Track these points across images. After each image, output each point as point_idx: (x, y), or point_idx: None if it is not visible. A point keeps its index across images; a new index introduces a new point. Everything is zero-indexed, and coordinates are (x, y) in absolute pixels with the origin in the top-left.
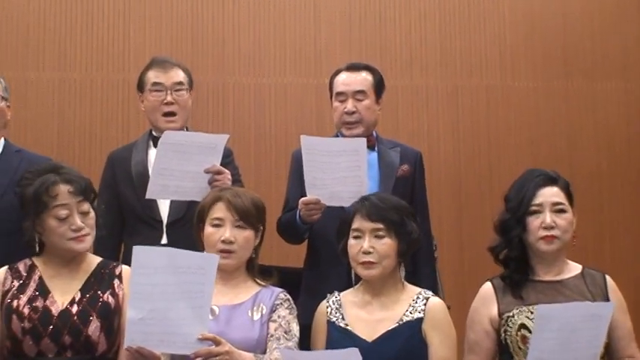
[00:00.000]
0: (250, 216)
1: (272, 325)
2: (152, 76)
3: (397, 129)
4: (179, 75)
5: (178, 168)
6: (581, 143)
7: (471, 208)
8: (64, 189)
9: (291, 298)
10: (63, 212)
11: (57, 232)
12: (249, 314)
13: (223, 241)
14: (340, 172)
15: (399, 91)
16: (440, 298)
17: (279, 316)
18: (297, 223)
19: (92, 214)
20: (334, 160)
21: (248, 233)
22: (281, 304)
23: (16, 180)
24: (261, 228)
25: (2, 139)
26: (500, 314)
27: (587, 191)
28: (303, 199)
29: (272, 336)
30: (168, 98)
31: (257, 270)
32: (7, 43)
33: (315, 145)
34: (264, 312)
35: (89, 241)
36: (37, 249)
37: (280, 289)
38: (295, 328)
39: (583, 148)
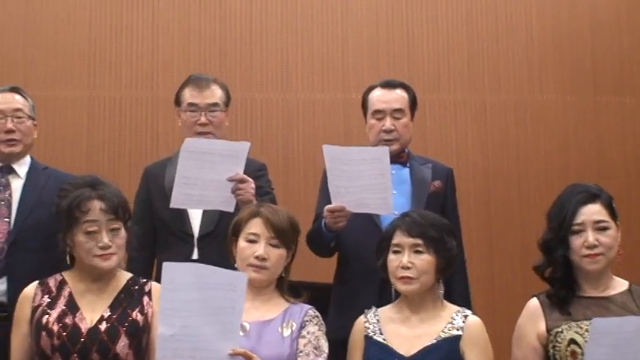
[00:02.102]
0: (285, 235)
1: (301, 341)
2: (188, 95)
3: (425, 144)
4: (215, 95)
5: (201, 176)
6: (610, 157)
7: (500, 223)
8: (96, 205)
9: (319, 315)
10: (92, 228)
11: (84, 247)
12: (280, 330)
13: (257, 257)
14: (364, 180)
15: (426, 105)
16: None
17: (308, 332)
18: (323, 232)
19: (123, 233)
20: (357, 169)
21: (281, 251)
22: (310, 320)
23: (43, 197)
24: (294, 247)
25: (28, 157)
26: (548, 330)
27: (617, 205)
28: (328, 206)
29: (301, 352)
30: (203, 119)
31: (287, 287)
32: (37, 62)
33: (337, 154)
34: (294, 328)
35: (115, 260)
36: (68, 261)
37: (309, 306)
38: (324, 344)
39: (612, 162)
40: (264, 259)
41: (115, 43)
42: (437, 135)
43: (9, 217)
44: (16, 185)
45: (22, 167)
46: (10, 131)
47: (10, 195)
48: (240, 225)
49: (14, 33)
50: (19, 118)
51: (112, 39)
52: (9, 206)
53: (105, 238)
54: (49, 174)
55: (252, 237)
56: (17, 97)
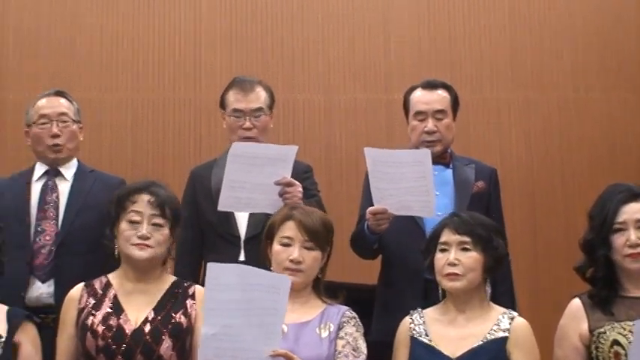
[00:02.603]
0: (319, 237)
1: (340, 343)
2: (232, 99)
3: (468, 144)
4: (259, 99)
5: (249, 180)
6: None
7: (545, 222)
8: (144, 197)
9: (357, 316)
10: (135, 217)
11: (124, 234)
12: (317, 332)
13: (291, 261)
14: (406, 183)
15: (469, 105)
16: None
17: (346, 334)
18: (366, 234)
19: (165, 231)
20: (399, 171)
21: (316, 254)
22: (348, 321)
23: (89, 200)
24: (329, 248)
25: (75, 160)
26: (590, 331)
27: None
28: (370, 208)
29: (340, 353)
30: (247, 124)
31: (323, 288)
32: (83, 65)
33: (378, 157)
34: (331, 329)
35: (150, 252)
36: (117, 255)
37: (346, 307)
38: (362, 345)
39: None
40: (299, 263)
41: (159, 46)
42: (480, 135)
43: (56, 219)
44: (63, 188)
45: (69, 170)
46: (55, 136)
47: (58, 198)
48: (273, 228)
49: (60, 37)
50: (64, 122)
51: (155, 42)
52: (56, 209)
53: (144, 229)
54: (95, 177)
55: (286, 240)
56: (62, 100)
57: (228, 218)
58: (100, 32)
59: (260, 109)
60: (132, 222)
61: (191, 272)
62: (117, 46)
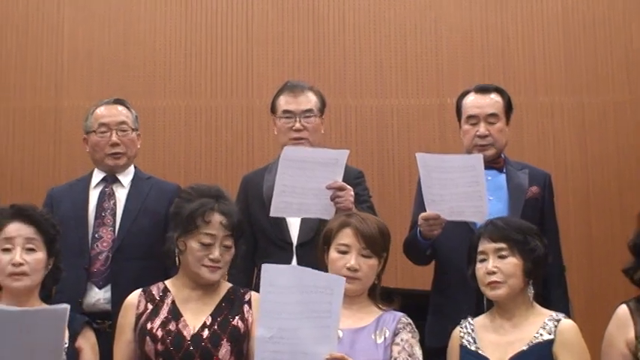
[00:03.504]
0: (376, 244)
1: (395, 349)
2: (283, 102)
3: (522, 148)
4: (309, 101)
5: (300, 185)
6: None
7: (601, 227)
8: (218, 219)
9: (412, 322)
10: (208, 240)
11: (195, 255)
12: (373, 337)
13: (348, 269)
14: (459, 188)
15: (523, 109)
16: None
17: (402, 340)
18: (419, 240)
19: (232, 250)
20: (451, 176)
21: (372, 261)
22: (403, 327)
23: (146, 206)
24: (385, 254)
25: (132, 167)
26: (637, 337)
27: None
28: (422, 214)
29: (395, 359)
30: (297, 125)
31: (379, 294)
32: (136, 73)
33: (431, 162)
34: (386, 335)
35: (220, 274)
36: (177, 262)
37: (401, 313)
38: (418, 351)
39: None
40: (355, 270)
41: (211, 53)
42: (534, 139)
43: (113, 226)
44: (121, 195)
45: (126, 177)
46: (114, 144)
47: (115, 205)
48: (330, 235)
49: (113, 46)
50: (124, 130)
51: (207, 48)
52: (113, 215)
53: (217, 252)
54: (152, 183)
55: (343, 248)
56: (121, 109)
57: (280, 224)
58: (152, 40)
59: (310, 110)
60: (204, 244)
61: (244, 279)
62: (169, 53)
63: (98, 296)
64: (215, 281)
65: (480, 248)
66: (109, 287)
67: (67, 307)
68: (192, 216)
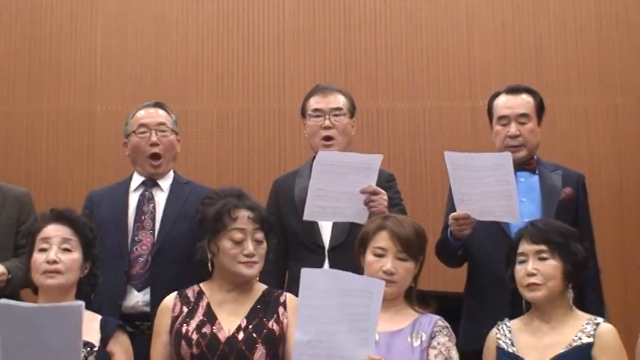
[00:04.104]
0: (413, 247)
1: (432, 352)
2: (313, 102)
3: (555, 150)
4: (339, 100)
5: (334, 189)
6: None
7: (635, 230)
8: (244, 214)
9: (449, 326)
10: (239, 236)
11: (229, 253)
12: (409, 341)
13: (385, 272)
14: (488, 187)
15: (556, 110)
16: None
17: (438, 343)
18: (450, 241)
19: (264, 244)
20: (480, 175)
21: (409, 264)
22: (440, 330)
23: (185, 211)
24: (422, 257)
25: (172, 171)
26: None
27: None
28: (452, 214)
29: None
30: (327, 123)
31: (415, 297)
32: (168, 77)
33: (459, 161)
34: (423, 339)
35: (257, 268)
36: (210, 268)
37: (438, 317)
38: (455, 355)
39: None
40: (392, 274)
41: (243, 57)
42: (568, 140)
43: (153, 229)
44: (160, 199)
45: (165, 181)
46: (154, 144)
47: (154, 208)
48: (366, 238)
49: (146, 50)
50: (163, 132)
51: (239, 52)
52: (153, 219)
53: (250, 246)
54: (190, 188)
55: (379, 251)
56: (161, 111)
57: (312, 228)
58: (185, 44)
59: (339, 108)
60: (235, 240)
61: (276, 282)
62: (201, 57)
63: (137, 299)
64: (253, 276)
65: (520, 249)
66: (147, 290)
67: (81, 303)
68: (218, 216)
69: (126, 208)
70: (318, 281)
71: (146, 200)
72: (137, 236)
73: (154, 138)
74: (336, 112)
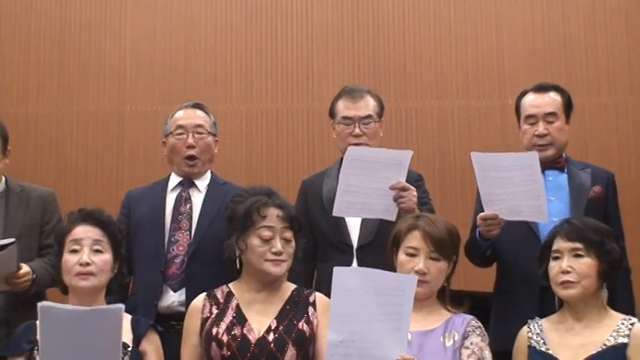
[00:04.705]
0: (445, 247)
1: (465, 352)
2: (342, 107)
3: (585, 148)
4: (368, 106)
5: (364, 184)
6: None
7: None
8: (274, 212)
9: (482, 326)
10: (267, 233)
11: (257, 251)
12: (442, 341)
13: (417, 272)
14: (516, 187)
15: (586, 109)
16: None
17: (471, 343)
18: (478, 241)
19: (293, 243)
20: (507, 175)
21: (442, 264)
22: (473, 331)
23: (221, 211)
24: (454, 257)
25: (209, 171)
26: None
27: None
28: (480, 214)
29: None
30: (357, 131)
31: (448, 297)
32: (197, 78)
33: (486, 161)
34: (456, 339)
35: (284, 267)
36: (238, 266)
37: (471, 316)
38: (488, 355)
39: None
40: (424, 274)
41: (271, 57)
42: (597, 139)
43: (189, 230)
44: (197, 200)
45: (202, 182)
46: (190, 147)
47: (191, 209)
48: (399, 237)
49: (175, 51)
50: (200, 134)
51: (268, 52)
52: (189, 220)
53: (278, 245)
54: (227, 189)
55: (411, 251)
56: (199, 112)
57: (340, 227)
58: (213, 44)
59: (369, 116)
60: (263, 238)
61: (304, 282)
62: (230, 57)
63: (173, 299)
64: (280, 275)
65: (555, 247)
66: (183, 290)
67: (121, 306)
68: (247, 213)
69: (163, 208)
70: (350, 280)
71: (183, 201)
72: (174, 236)
73: (190, 140)
74: (366, 121)
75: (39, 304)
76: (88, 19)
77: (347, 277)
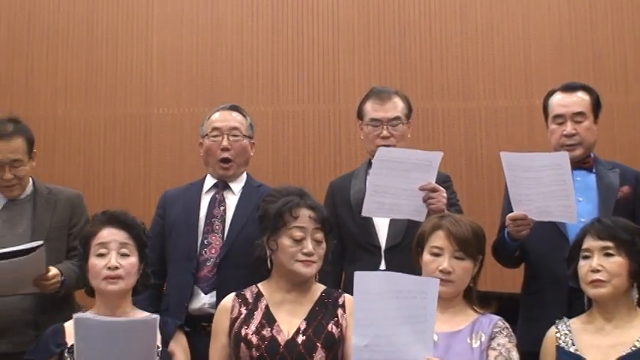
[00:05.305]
0: (470, 246)
1: (492, 353)
2: (370, 109)
3: (614, 148)
4: (396, 108)
5: (393, 185)
6: None
7: None
8: (305, 213)
9: (509, 327)
10: (299, 234)
11: (288, 251)
12: (468, 342)
13: (441, 271)
14: (545, 187)
15: (614, 108)
16: None
17: (498, 344)
18: (506, 241)
19: (324, 245)
20: (537, 175)
21: (466, 264)
22: (500, 331)
23: (255, 214)
24: (480, 257)
25: (245, 174)
26: None
27: None
28: (509, 215)
29: None
30: (385, 133)
31: (475, 298)
32: (223, 80)
33: (515, 161)
34: (482, 339)
35: (315, 268)
36: (269, 265)
37: (498, 317)
38: (515, 356)
39: None
40: (448, 273)
41: (297, 59)
42: (626, 138)
43: (222, 233)
44: (231, 202)
45: (237, 184)
46: (225, 149)
47: (225, 211)
48: (423, 237)
49: (201, 54)
50: (235, 136)
51: (294, 54)
52: (223, 222)
53: (310, 245)
54: (262, 191)
55: (435, 250)
56: (235, 115)
57: (369, 228)
58: (239, 47)
59: (397, 118)
60: (294, 239)
61: (333, 283)
62: (256, 60)
63: (204, 301)
64: (310, 276)
65: (585, 245)
66: (214, 293)
67: (156, 317)
68: (279, 213)
69: (197, 209)
70: (372, 284)
71: (217, 203)
72: (207, 239)
73: (225, 142)
74: (394, 122)
75: (74, 316)
76: (115, 23)
77: (369, 281)
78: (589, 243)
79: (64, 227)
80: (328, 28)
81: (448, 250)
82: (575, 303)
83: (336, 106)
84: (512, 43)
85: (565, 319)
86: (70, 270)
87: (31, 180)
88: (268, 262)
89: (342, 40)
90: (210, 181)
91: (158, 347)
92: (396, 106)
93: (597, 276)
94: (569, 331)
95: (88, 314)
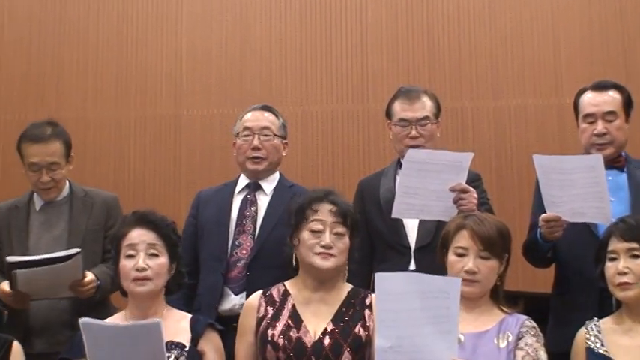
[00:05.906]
0: (495, 245)
1: (519, 353)
2: (399, 109)
3: None
4: (425, 107)
5: (423, 186)
6: None
7: None
8: (326, 207)
9: (537, 326)
10: (317, 227)
11: (307, 243)
12: (495, 342)
13: (467, 271)
14: (579, 189)
15: None
16: None
17: (526, 344)
18: (539, 242)
19: (346, 239)
20: (570, 177)
21: (492, 263)
22: (527, 331)
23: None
24: (506, 255)
25: (277, 174)
26: None
27: None
28: (543, 216)
29: None
30: (414, 133)
31: (502, 297)
32: (252, 81)
33: (548, 164)
34: (510, 339)
35: (333, 262)
36: (294, 263)
37: (525, 317)
38: (543, 356)
39: None
40: (474, 273)
41: (326, 59)
42: None
43: (253, 233)
44: (262, 203)
45: (269, 184)
46: (255, 149)
47: (256, 212)
48: (447, 238)
49: (230, 55)
50: (266, 136)
51: (322, 54)
52: (254, 223)
53: (328, 238)
54: (294, 191)
55: (460, 250)
56: (267, 115)
57: (398, 228)
58: (268, 48)
59: (426, 117)
60: (314, 231)
61: (361, 283)
62: (285, 60)
63: (234, 302)
64: (328, 269)
65: (611, 247)
66: (244, 294)
67: (159, 321)
68: (301, 209)
69: (229, 210)
70: (394, 285)
71: (248, 203)
72: (237, 240)
73: (255, 142)
74: (423, 122)
75: (80, 320)
76: (144, 24)
77: (390, 282)
78: (614, 244)
79: (100, 230)
80: (356, 28)
81: (473, 250)
82: (607, 303)
83: (364, 106)
84: (542, 40)
85: (595, 319)
86: (105, 274)
87: (67, 182)
88: (293, 259)
89: (370, 40)
90: (242, 182)
91: (185, 346)
92: (425, 106)
93: (624, 278)
94: (599, 331)
95: (93, 319)
